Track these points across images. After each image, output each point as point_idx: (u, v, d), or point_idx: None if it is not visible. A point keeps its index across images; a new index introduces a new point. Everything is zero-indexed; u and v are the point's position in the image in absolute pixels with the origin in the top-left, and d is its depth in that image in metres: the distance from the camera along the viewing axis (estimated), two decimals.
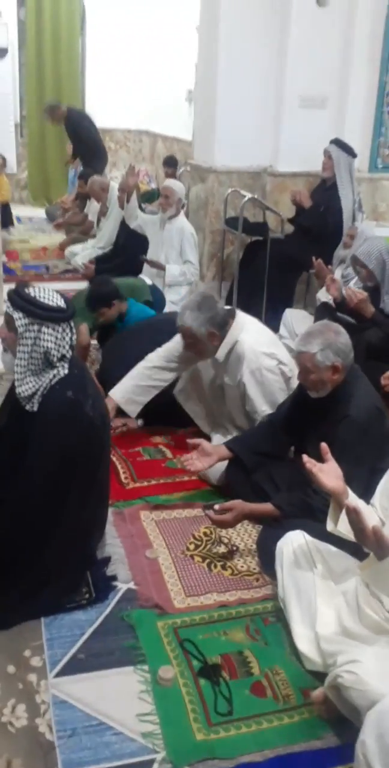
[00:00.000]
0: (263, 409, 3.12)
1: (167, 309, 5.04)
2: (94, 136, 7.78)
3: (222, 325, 3.12)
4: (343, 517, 2.12)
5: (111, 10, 9.60)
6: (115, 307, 4.23)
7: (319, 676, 2.15)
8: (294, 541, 2.40)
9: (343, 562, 2.33)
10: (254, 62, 5.62)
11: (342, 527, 2.13)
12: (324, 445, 2.21)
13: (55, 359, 2.34)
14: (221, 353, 3.18)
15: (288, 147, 5.78)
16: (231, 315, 3.17)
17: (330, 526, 2.17)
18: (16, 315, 2.28)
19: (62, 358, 2.37)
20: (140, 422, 3.76)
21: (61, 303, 2.35)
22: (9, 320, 2.33)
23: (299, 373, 2.80)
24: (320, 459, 2.21)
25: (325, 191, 5.41)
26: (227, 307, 3.17)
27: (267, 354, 3.18)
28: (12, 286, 5.47)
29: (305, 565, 2.34)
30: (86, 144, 7.72)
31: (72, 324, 2.39)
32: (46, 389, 2.35)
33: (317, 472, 2.15)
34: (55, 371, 2.36)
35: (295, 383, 3.27)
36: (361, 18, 5.56)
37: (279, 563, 2.40)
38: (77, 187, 7.91)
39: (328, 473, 2.17)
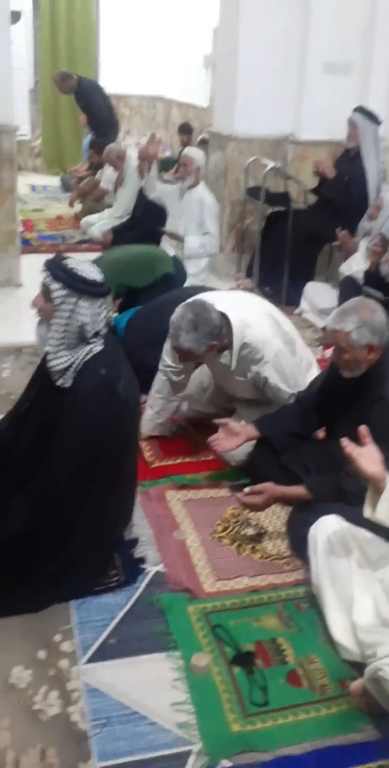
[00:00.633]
0: (288, 391, 3.04)
1: (186, 282, 4.94)
2: (105, 110, 7.56)
3: (219, 332, 2.92)
4: (382, 503, 2.06)
5: None
6: None
7: (356, 666, 2.10)
8: (328, 527, 2.33)
9: (379, 549, 2.26)
10: (277, 26, 5.46)
11: (380, 514, 2.06)
12: (363, 428, 2.13)
13: (89, 335, 2.28)
14: (233, 362, 3.01)
15: (311, 114, 5.64)
16: (224, 317, 2.96)
17: (367, 512, 2.10)
18: (55, 286, 2.23)
19: (96, 334, 2.31)
20: None
21: (99, 277, 2.29)
22: (46, 291, 2.27)
23: (332, 351, 2.72)
24: (354, 441, 2.13)
25: (349, 160, 5.28)
26: (219, 309, 2.93)
27: (274, 337, 3.05)
28: (29, 257, 5.46)
29: (340, 552, 2.27)
30: (97, 117, 7.55)
31: (108, 300, 2.33)
32: (79, 365, 2.30)
33: (356, 456, 2.07)
34: (89, 347, 2.30)
35: (299, 343, 3.22)
36: None
37: (313, 549, 2.34)
38: (89, 157, 7.79)
39: (367, 457, 2.09)
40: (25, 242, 6.29)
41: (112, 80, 9.80)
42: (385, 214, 4.52)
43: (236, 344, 2.97)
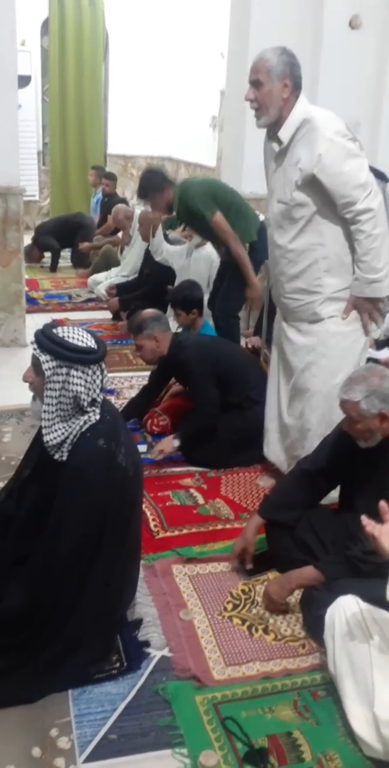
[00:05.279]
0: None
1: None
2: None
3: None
4: None
5: (134, 37, 9.56)
6: (192, 316, 4.24)
7: (379, 764, 1.93)
8: (346, 609, 2.16)
9: None
10: None
11: None
12: (383, 505, 1.98)
13: (85, 404, 2.16)
14: (286, 135, 2.89)
15: None
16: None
17: None
18: (44, 357, 2.12)
19: (93, 402, 2.19)
20: (176, 443, 3.59)
21: (92, 343, 2.18)
22: (36, 363, 2.16)
23: (344, 422, 2.59)
24: (374, 515, 1.98)
25: None
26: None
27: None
28: (35, 316, 5.41)
29: (359, 636, 2.10)
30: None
31: (103, 366, 2.21)
32: (76, 437, 2.18)
33: (378, 535, 1.92)
34: (85, 417, 2.18)
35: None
36: None
37: (330, 633, 2.17)
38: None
39: None
40: (32, 301, 6.25)
41: (120, 141, 9.96)
42: None
43: (296, 115, 2.88)
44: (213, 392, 3.63)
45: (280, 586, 2.53)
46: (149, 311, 3.92)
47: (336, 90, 5.43)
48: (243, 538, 2.77)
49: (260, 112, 2.91)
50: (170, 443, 3.59)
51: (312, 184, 2.86)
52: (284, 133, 2.89)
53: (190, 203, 4.20)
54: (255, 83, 2.88)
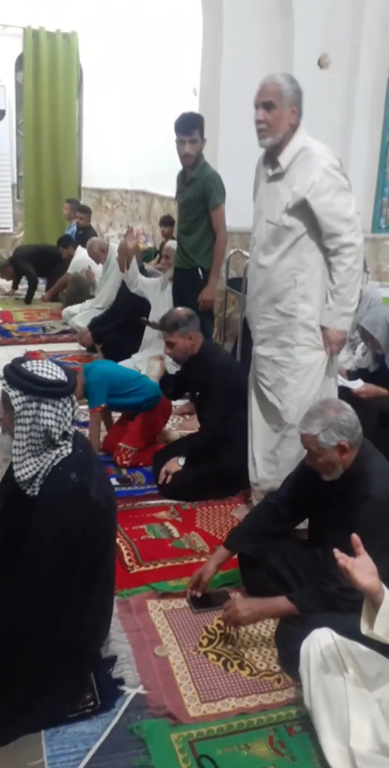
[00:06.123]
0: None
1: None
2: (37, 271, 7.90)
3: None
4: (380, 618, 1.91)
5: (108, 72, 9.68)
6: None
7: None
8: (321, 641, 2.16)
9: (376, 665, 2.10)
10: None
11: (379, 630, 1.91)
12: (355, 537, 1.99)
13: (57, 437, 2.15)
14: (285, 160, 2.97)
15: None
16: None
17: (364, 629, 1.94)
18: (13, 393, 2.10)
19: (65, 435, 2.18)
20: (181, 461, 3.63)
21: (62, 376, 2.18)
22: (5, 399, 2.14)
23: (306, 456, 2.61)
24: (343, 546, 2.00)
25: None
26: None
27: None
28: (8, 348, 5.38)
29: (334, 669, 2.10)
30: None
31: (73, 398, 2.20)
32: (48, 471, 2.16)
33: (351, 568, 1.93)
34: (57, 451, 2.17)
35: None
36: (363, 79, 5.56)
37: (305, 667, 2.16)
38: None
39: (362, 569, 1.95)
40: (6, 333, 6.23)
41: (94, 175, 10.03)
42: (364, 304, 4.49)
43: (296, 143, 2.97)
44: (222, 411, 3.64)
45: (251, 612, 2.49)
46: (183, 309, 3.90)
47: (306, 128, 5.54)
48: (204, 567, 2.78)
49: (266, 133, 2.96)
50: (176, 463, 3.62)
51: (302, 210, 2.93)
52: (284, 159, 2.98)
53: (209, 179, 4.53)
54: (267, 105, 2.94)
